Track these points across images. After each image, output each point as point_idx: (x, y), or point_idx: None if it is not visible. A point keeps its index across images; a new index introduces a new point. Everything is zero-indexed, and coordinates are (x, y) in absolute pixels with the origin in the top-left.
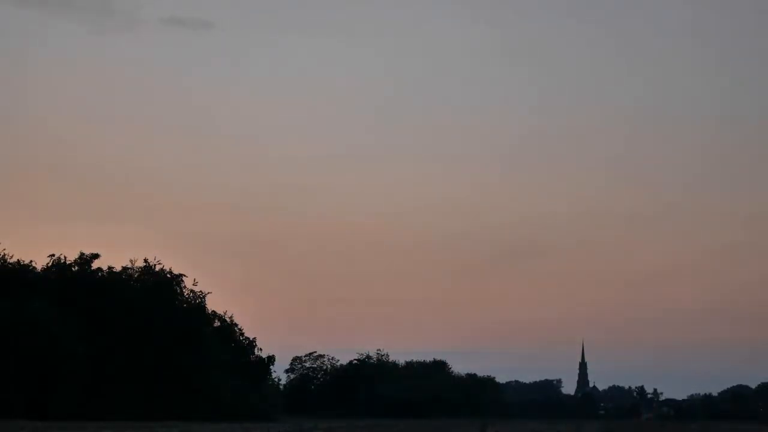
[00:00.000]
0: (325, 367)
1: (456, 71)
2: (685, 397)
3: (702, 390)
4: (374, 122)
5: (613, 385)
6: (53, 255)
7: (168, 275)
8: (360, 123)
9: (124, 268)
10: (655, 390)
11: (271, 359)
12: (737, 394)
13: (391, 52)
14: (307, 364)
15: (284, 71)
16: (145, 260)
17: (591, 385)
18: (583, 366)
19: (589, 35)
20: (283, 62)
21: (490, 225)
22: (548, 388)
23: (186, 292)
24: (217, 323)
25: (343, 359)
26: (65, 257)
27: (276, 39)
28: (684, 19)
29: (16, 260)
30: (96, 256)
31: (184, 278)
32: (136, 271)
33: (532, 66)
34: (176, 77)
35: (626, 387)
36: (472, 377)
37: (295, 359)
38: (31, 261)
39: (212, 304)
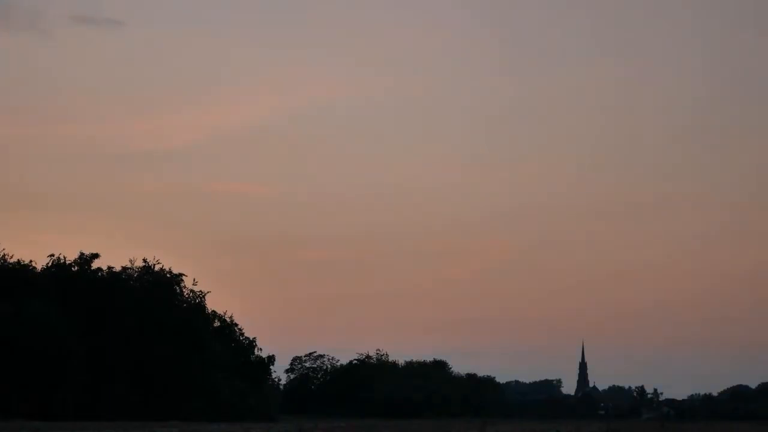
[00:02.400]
0: (325, 367)
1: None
2: (685, 397)
3: (702, 390)
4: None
5: (613, 385)
6: (53, 255)
7: (167, 275)
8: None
9: (124, 268)
10: (655, 390)
11: (271, 359)
12: (737, 394)
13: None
14: (307, 364)
15: (196, 71)
16: (145, 260)
17: (591, 385)
18: (583, 366)
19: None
20: (195, 61)
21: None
22: (548, 388)
23: (186, 291)
24: (217, 323)
25: (343, 359)
26: (65, 257)
27: (187, 38)
28: (670, 13)
29: (16, 260)
30: (96, 256)
31: (183, 278)
32: (136, 271)
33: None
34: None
35: (626, 387)
36: (472, 377)
37: (295, 359)
38: (31, 261)
39: (212, 304)
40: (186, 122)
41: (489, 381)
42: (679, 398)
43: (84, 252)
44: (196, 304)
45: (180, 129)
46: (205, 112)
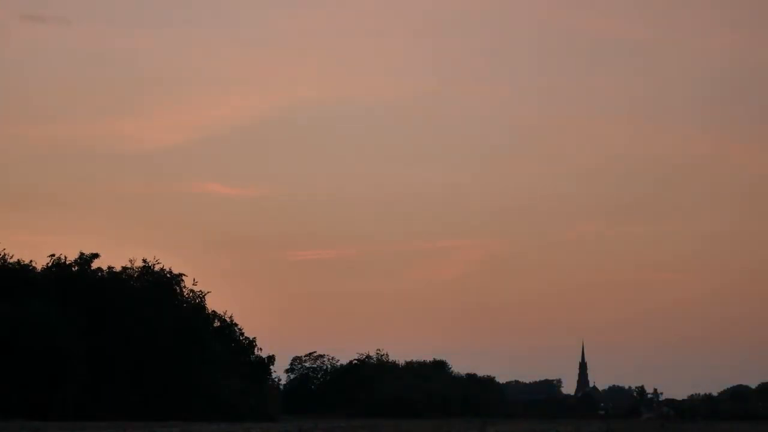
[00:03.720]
0: (325, 367)
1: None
2: (685, 397)
3: (702, 390)
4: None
5: (613, 385)
6: (53, 255)
7: (167, 275)
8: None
9: (124, 268)
10: (655, 390)
11: (271, 359)
12: (737, 394)
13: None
14: (307, 364)
15: (142, 69)
16: (145, 260)
17: (591, 385)
18: (583, 366)
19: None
20: (142, 59)
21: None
22: (548, 388)
23: (186, 291)
24: (217, 323)
25: (343, 359)
26: (65, 257)
27: (134, 36)
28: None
29: (16, 260)
30: (96, 256)
31: (183, 278)
32: (136, 271)
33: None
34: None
35: (626, 387)
36: (472, 377)
37: (295, 359)
38: (31, 261)
39: (212, 304)
40: (171, 122)
41: (489, 381)
42: (679, 398)
43: (84, 252)
44: (196, 304)
45: (166, 129)
46: (191, 111)
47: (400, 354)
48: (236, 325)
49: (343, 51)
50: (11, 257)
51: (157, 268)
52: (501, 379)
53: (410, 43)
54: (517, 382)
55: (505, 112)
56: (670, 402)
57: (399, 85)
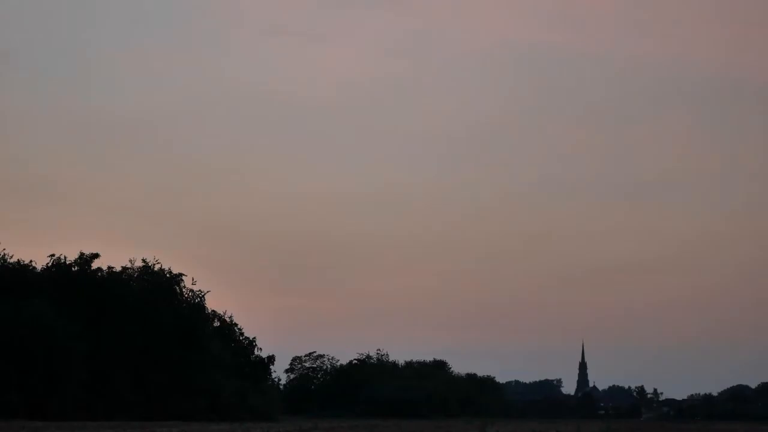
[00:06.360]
0: (325, 367)
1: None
2: (685, 397)
3: (702, 390)
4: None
5: (613, 385)
6: (53, 255)
7: (167, 275)
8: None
9: (124, 268)
10: (655, 390)
11: (271, 359)
12: (737, 394)
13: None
14: (307, 364)
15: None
16: (144, 260)
17: (591, 385)
18: (583, 366)
19: None
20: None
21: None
22: (548, 388)
23: (185, 291)
24: (216, 323)
25: (343, 359)
26: (65, 257)
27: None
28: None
29: (16, 260)
30: (96, 255)
31: (183, 277)
32: (136, 271)
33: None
34: None
35: (626, 387)
36: (472, 377)
37: (295, 359)
38: (31, 261)
39: (212, 304)
40: None
41: (489, 381)
42: (679, 398)
43: (84, 252)
44: (196, 303)
45: None
46: None
47: (400, 354)
48: (236, 325)
49: (333, 47)
50: (11, 257)
51: (156, 267)
52: (501, 379)
53: (407, 42)
54: (517, 382)
55: (505, 111)
56: (670, 402)
57: (392, 84)
